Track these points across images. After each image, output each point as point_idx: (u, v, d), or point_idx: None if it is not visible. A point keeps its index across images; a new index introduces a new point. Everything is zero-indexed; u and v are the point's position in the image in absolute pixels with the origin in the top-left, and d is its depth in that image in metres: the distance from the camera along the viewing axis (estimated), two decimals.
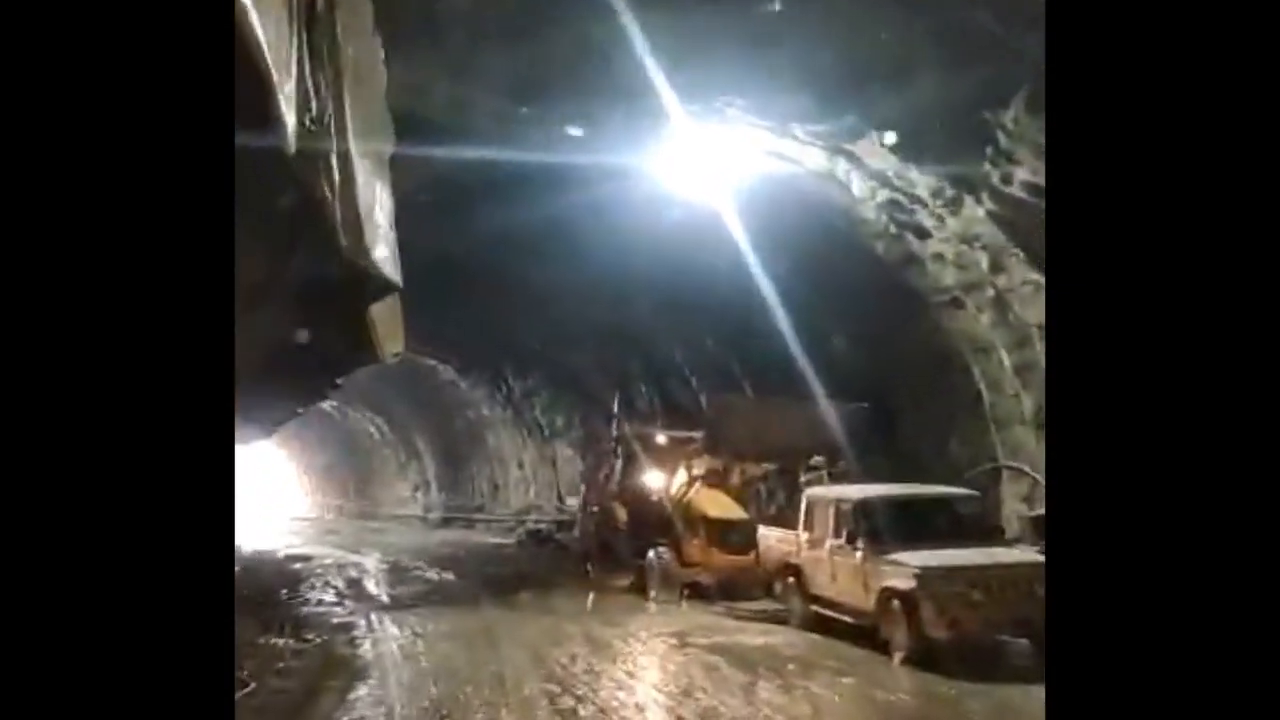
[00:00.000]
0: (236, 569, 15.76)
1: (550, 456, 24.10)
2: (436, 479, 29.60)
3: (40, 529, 1.92)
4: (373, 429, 30.57)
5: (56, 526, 1.94)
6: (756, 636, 9.81)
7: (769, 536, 11.54)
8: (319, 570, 15.47)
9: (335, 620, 10.49)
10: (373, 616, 10.72)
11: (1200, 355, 2.12)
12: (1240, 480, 2.07)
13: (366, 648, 8.93)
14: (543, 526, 23.04)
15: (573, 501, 22.82)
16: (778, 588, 11.03)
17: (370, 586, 13.77)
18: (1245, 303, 2.10)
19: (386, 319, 9.91)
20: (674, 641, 9.47)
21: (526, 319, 19.21)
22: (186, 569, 2.06)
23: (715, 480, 12.89)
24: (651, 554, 12.67)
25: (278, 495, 37.30)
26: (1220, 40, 2.15)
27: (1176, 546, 2.10)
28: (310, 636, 9.41)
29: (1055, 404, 2.41)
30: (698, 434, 13.53)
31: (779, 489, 13.71)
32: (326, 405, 30.32)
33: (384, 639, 9.39)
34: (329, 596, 12.53)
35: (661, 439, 14.13)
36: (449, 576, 15.08)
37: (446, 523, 27.66)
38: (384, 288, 7.28)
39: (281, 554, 18.09)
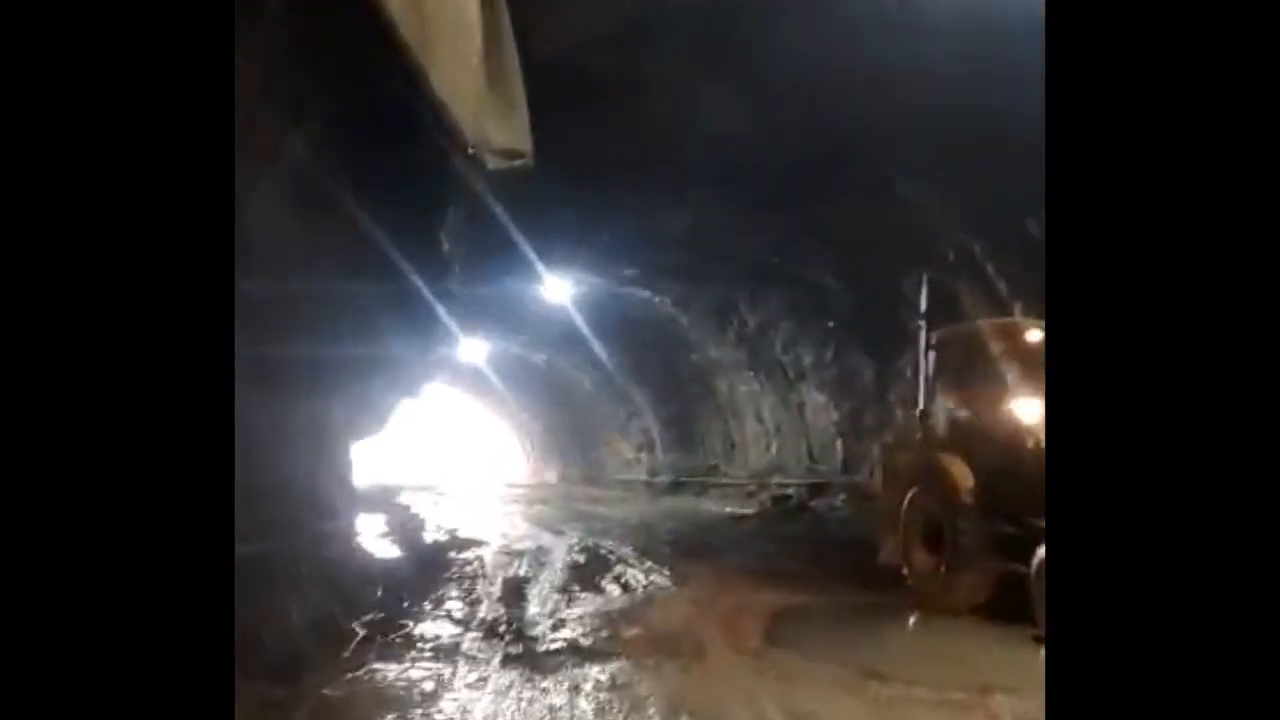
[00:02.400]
0: (375, 568, 10.50)
1: (797, 404, 17.92)
2: (661, 438, 24.11)
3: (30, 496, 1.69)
4: (586, 381, 25.26)
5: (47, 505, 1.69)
6: None
7: None
8: (478, 567, 9.92)
9: None
10: (474, 710, 4.76)
11: (1200, 352, 1.86)
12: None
13: None
14: (791, 492, 17.52)
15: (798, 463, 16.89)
16: None
17: (531, 601, 7.92)
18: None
19: (495, 99, 4.50)
20: None
21: (745, 216, 12.99)
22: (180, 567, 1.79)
23: None
24: (1042, 552, 6.05)
25: (498, 463, 33.42)
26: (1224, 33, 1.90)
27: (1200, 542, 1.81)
28: None
29: (1055, 401, 2.01)
30: None
31: None
32: (538, 360, 25.60)
33: None
34: (448, 630, 6.76)
35: (1034, 335, 7.33)
36: (660, 579, 9.07)
37: (675, 488, 22.23)
38: None
39: (452, 536, 12.80)
